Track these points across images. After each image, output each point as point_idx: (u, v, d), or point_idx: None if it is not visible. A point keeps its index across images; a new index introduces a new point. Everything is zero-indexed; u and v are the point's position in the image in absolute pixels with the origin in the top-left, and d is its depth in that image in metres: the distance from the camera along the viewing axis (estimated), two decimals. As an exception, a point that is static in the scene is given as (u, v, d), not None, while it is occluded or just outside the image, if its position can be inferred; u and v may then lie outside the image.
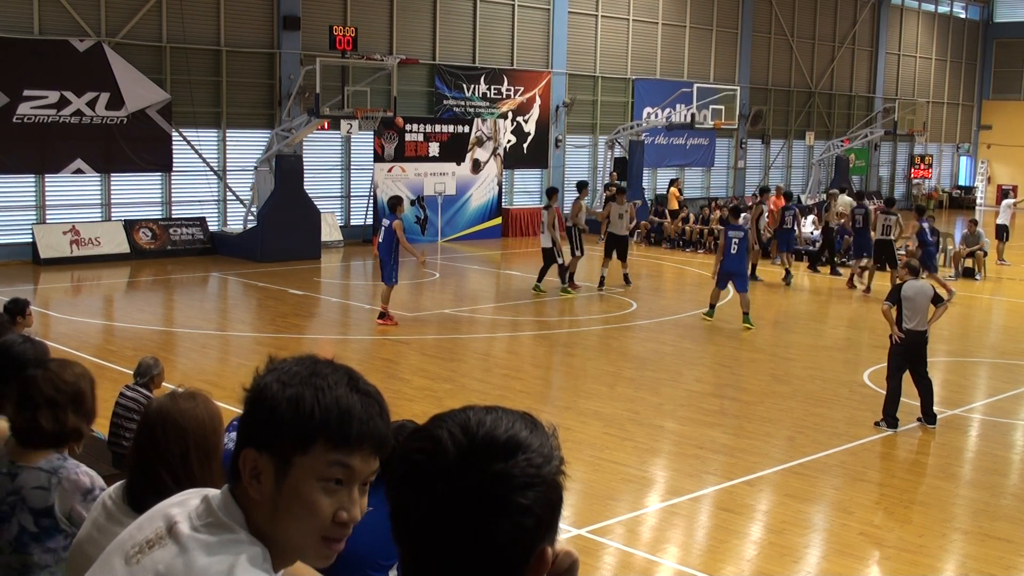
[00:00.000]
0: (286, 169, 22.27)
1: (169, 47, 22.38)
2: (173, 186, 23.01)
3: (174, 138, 22.56)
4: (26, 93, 20.50)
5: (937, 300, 10.52)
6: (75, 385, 3.51)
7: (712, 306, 16.15)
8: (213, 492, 1.83)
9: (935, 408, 10.64)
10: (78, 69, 21.03)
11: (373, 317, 15.53)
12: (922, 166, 42.97)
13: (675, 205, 28.71)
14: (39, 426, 3.40)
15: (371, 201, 25.50)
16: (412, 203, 25.67)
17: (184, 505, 1.82)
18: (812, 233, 25.01)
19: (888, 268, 19.73)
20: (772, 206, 22.94)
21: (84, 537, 2.60)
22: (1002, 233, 25.19)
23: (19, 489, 3.39)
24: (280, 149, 22.39)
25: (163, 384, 7.85)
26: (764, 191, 23.38)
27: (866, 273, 19.96)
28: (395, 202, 15.45)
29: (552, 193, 18.58)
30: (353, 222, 25.99)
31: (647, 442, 10.01)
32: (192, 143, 22.99)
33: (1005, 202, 26.14)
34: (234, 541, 1.73)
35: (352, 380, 1.77)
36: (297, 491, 1.74)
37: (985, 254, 22.31)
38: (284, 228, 21.89)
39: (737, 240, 15.66)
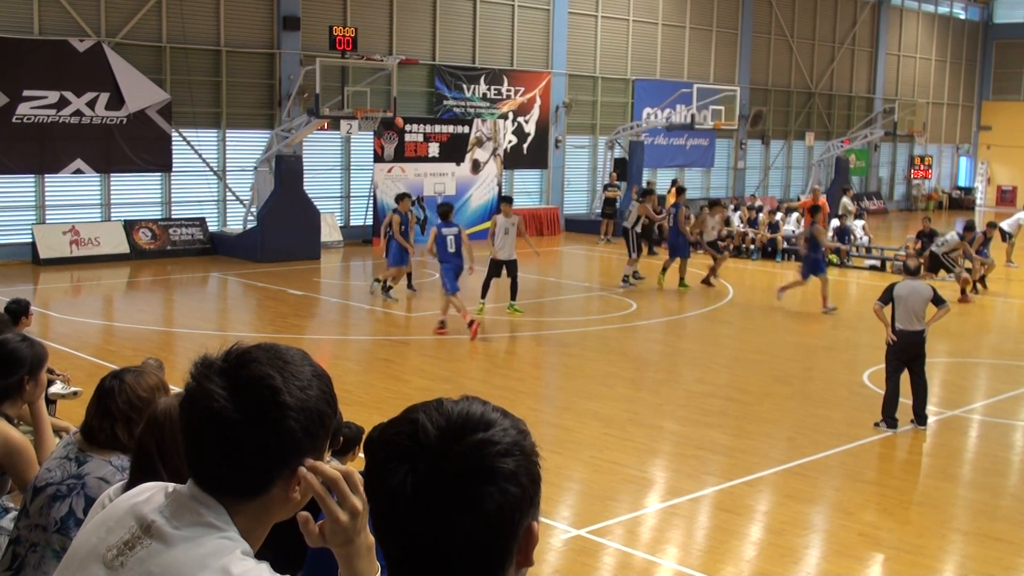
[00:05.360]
0: (286, 169, 22.26)
1: (169, 47, 22.37)
2: (173, 186, 23.00)
3: (174, 138, 22.54)
4: (26, 93, 20.49)
5: (938, 301, 10.32)
6: (149, 400, 3.64)
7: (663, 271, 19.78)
8: (176, 487, 1.83)
9: (930, 409, 10.60)
10: (78, 69, 21.01)
11: (373, 317, 15.52)
12: (922, 167, 42.95)
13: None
14: (116, 438, 3.60)
15: (371, 201, 25.49)
16: (412, 203, 25.62)
17: (150, 502, 1.82)
18: (794, 232, 25.06)
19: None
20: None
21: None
22: (1005, 236, 25.10)
23: (83, 475, 3.52)
24: (280, 149, 22.38)
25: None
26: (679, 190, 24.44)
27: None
28: (444, 210, 15.25)
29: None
30: (353, 222, 25.98)
31: (647, 442, 10.01)
32: (192, 143, 22.98)
33: (1020, 215, 25.90)
34: (225, 538, 1.75)
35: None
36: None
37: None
38: (284, 228, 21.87)
39: (672, 214, 20.18)
